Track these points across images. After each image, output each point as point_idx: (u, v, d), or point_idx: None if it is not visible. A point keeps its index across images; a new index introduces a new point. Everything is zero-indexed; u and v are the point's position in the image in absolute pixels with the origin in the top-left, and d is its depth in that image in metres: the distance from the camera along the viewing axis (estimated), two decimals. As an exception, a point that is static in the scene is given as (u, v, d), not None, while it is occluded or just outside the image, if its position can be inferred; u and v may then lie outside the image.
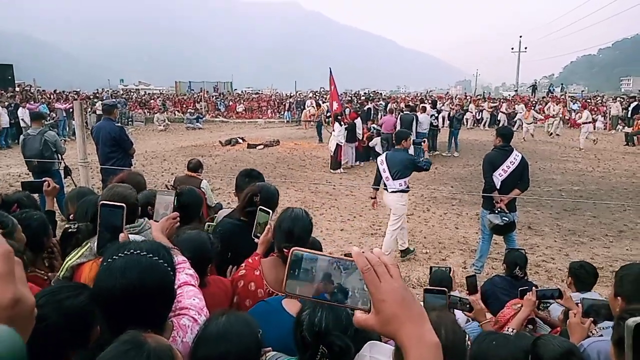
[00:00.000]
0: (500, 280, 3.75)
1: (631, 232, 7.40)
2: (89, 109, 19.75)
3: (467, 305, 2.73)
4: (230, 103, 31.31)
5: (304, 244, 2.19)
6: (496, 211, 5.39)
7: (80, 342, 1.25)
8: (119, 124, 6.77)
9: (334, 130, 12.30)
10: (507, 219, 5.33)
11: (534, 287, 2.99)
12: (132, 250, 1.28)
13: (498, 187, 5.46)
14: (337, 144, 12.12)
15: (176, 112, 28.46)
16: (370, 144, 13.83)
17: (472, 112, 24.52)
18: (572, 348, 1.88)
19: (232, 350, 1.29)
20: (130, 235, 2.07)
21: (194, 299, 1.58)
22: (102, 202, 1.86)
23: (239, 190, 3.18)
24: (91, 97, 24.86)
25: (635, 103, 22.29)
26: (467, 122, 23.72)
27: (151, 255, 1.29)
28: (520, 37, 50.94)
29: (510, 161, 5.47)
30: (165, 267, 1.31)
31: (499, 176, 5.45)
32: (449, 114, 15.42)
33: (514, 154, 5.52)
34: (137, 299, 1.21)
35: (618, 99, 26.31)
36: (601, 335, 2.28)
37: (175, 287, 1.58)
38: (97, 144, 6.49)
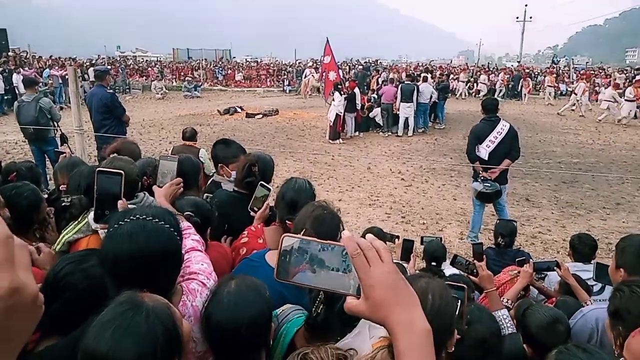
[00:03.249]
0: (492, 252, 3.79)
1: (628, 204, 7.42)
2: (85, 75, 19.48)
3: (474, 270, 2.73)
4: (229, 71, 30.88)
5: None
6: (479, 179, 5.43)
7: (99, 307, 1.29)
8: (111, 91, 6.65)
9: (333, 100, 12.15)
10: (490, 186, 5.36)
11: (530, 260, 3.00)
12: (137, 216, 1.29)
13: (486, 158, 5.46)
14: (337, 114, 12.00)
15: (174, 80, 28.10)
16: (371, 114, 13.71)
17: (484, 83, 24.24)
18: (559, 316, 1.96)
19: (246, 317, 1.29)
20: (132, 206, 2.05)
21: (202, 264, 1.60)
22: (99, 168, 1.81)
23: (216, 161, 3.12)
24: (86, 63, 24.45)
25: (641, 75, 21.99)
26: (479, 92, 23.96)
27: (157, 220, 1.30)
28: (526, 5, 49.77)
29: (497, 132, 5.45)
30: (172, 232, 1.31)
31: (486, 147, 5.45)
32: (437, 85, 15.03)
33: (501, 124, 5.49)
34: (145, 263, 1.23)
35: (623, 70, 25.95)
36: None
37: (183, 252, 1.59)
38: (90, 111, 6.41)
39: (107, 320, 0.93)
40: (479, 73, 26.68)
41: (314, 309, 1.42)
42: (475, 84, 25.21)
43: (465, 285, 1.71)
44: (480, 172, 5.51)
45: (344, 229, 1.78)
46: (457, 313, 1.35)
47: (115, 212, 1.51)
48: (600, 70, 28.78)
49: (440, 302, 1.18)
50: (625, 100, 15.47)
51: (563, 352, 1.12)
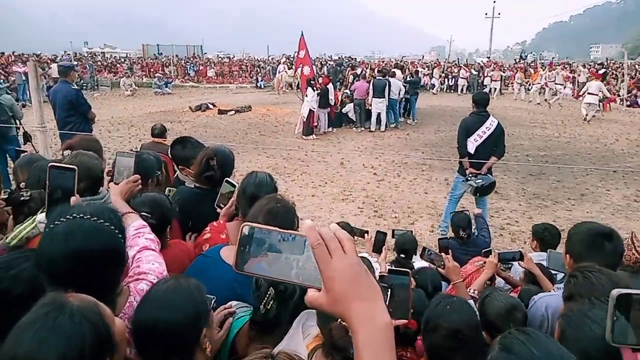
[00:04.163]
0: (455, 242, 3.86)
1: (592, 195, 7.66)
2: (48, 71, 18.85)
3: (442, 263, 2.76)
4: (201, 67, 30.43)
5: None
6: (469, 178, 5.49)
7: None
8: (76, 87, 6.47)
9: (306, 96, 12.11)
10: (481, 180, 5.44)
11: (495, 250, 3.05)
12: (74, 215, 1.23)
13: (472, 152, 5.48)
14: (310, 110, 11.97)
15: (144, 77, 27.52)
16: (343, 110, 13.74)
17: (464, 78, 24.54)
18: (516, 303, 2.00)
19: (165, 319, 1.25)
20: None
21: (153, 264, 1.54)
22: (51, 164, 1.74)
23: (176, 162, 3.08)
24: (48, 60, 23.69)
25: (603, 70, 22.70)
26: (456, 87, 24.58)
27: (95, 218, 1.24)
28: (494, 2, 50.70)
29: (486, 127, 5.47)
30: (112, 230, 1.26)
31: (474, 141, 5.46)
32: (405, 79, 15.13)
33: (490, 120, 5.50)
34: (83, 264, 1.18)
35: (586, 65, 26.77)
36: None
37: (135, 252, 1.54)
38: (54, 108, 6.22)
39: (29, 323, 0.89)
40: (449, 69, 27.04)
41: (262, 305, 1.39)
42: (446, 79, 25.56)
43: (409, 270, 1.73)
44: (467, 168, 5.51)
45: (299, 223, 1.74)
46: (386, 303, 1.36)
47: (54, 210, 1.44)
48: (567, 66, 29.58)
49: None
50: (589, 94, 15.94)
51: (506, 336, 1.16)
